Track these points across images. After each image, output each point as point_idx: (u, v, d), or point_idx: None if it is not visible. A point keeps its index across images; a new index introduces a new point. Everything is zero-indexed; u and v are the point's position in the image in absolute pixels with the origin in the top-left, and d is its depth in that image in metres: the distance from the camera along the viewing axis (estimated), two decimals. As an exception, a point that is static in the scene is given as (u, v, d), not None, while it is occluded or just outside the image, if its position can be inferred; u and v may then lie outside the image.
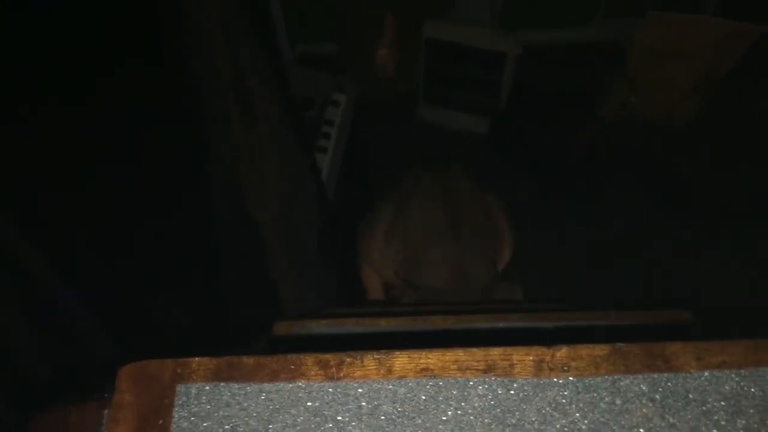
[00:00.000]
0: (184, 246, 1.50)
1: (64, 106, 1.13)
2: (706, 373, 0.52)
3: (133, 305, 1.31)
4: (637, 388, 0.52)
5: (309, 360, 0.53)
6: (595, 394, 0.52)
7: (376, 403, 0.52)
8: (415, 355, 0.53)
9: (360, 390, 0.52)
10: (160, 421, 0.50)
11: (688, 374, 0.52)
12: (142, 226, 1.35)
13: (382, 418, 0.51)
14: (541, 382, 0.52)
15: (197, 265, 1.54)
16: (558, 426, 0.51)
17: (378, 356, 0.53)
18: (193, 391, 0.52)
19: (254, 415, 0.51)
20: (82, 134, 1.18)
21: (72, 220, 1.13)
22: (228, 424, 0.51)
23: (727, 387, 0.52)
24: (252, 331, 1.36)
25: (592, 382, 0.52)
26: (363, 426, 0.51)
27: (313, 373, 0.52)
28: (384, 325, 0.90)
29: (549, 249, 2.30)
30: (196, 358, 0.53)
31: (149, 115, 1.35)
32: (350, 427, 0.51)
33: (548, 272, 2.16)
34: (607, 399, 0.52)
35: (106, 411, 0.51)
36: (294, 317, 0.94)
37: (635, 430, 0.51)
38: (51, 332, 1.04)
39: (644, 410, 0.51)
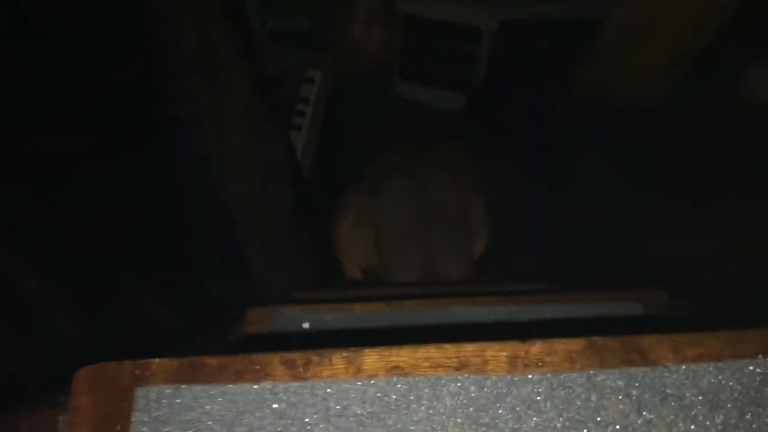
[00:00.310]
0: (152, 226, 1.47)
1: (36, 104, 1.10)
2: (684, 367, 0.51)
3: (101, 294, 1.28)
4: (613, 384, 0.50)
5: (275, 359, 0.51)
6: (570, 391, 0.50)
7: (345, 403, 0.50)
8: (386, 353, 0.51)
9: (328, 390, 0.50)
10: (118, 427, 0.48)
11: (665, 368, 0.51)
12: (108, 207, 1.32)
13: (352, 419, 0.49)
14: (515, 378, 0.51)
15: (166, 245, 1.52)
16: (532, 424, 0.50)
17: (347, 354, 0.51)
18: (153, 394, 0.49)
19: (218, 418, 0.49)
20: (52, 127, 1.15)
21: (36, 201, 1.10)
22: (191, 429, 0.49)
23: (704, 381, 0.50)
24: (225, 316, 1.35)
25: (567, 377, 0.51)
26: (331, 428, 0.49)
27: (279, 373, 0.50)
28: (357, 311, 0.88)
29: (526, 225, 2.30)
30: (156, 360, 0.50)
31: (115, 93, 1.32)
32: (318, 429, 0.49)
33: (525, 247, 2.16)
34: (582, 395, 0.50)
35: (61, 417, 0.48)
36: (267, 303, 0.92)
37: (611, 426, 0.49)
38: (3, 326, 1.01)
39: (621, 406, 0.50)
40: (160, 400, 0.49)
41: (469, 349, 0.51)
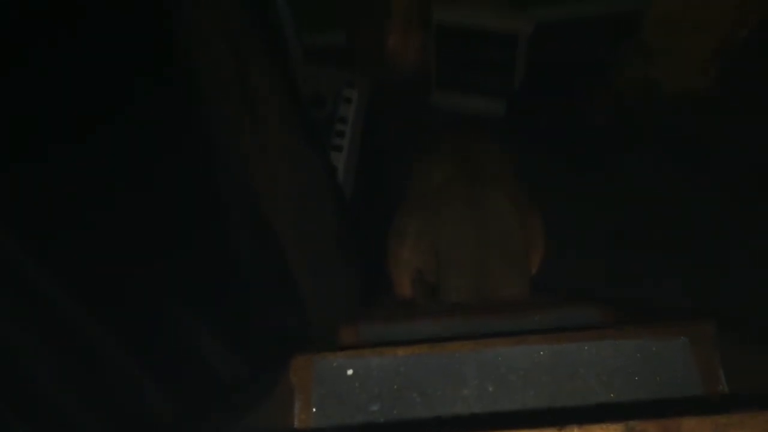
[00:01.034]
0: (201, 259, 1.50)
1: (72, 131, 1.14)
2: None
3: (162, 331, 1.31)
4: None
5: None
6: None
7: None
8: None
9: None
10: None
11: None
12: (157, 243, 1.35)
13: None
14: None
15: (216, 278, 1.55)
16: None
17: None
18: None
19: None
20: (94, 159, 1.18)
21: (87, 240, 1.13)
22: None
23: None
24: (273, 359, 1.36)
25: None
26: None
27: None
28: (400, 355, 0.89)
29: (575, 226, 2.27)
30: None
31: (154, 126, 1.35)
32: None
33: (569, 255, 2.13)
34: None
35: None
36: (311, 350, 0.93)
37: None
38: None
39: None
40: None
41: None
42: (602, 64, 2.58)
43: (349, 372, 0.87)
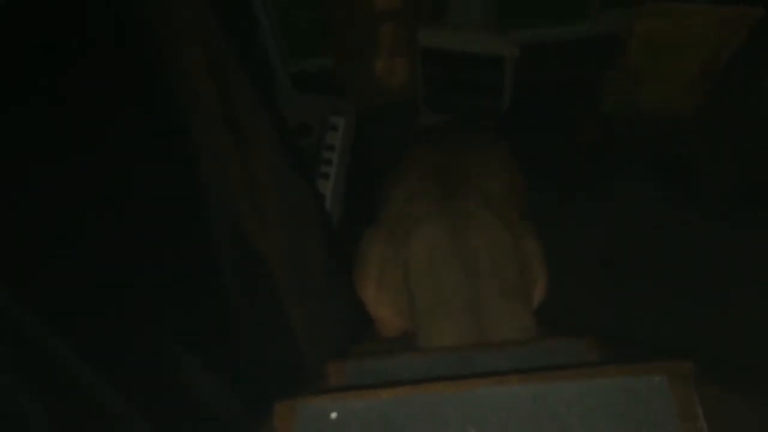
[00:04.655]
0: (190, 294, 1.50)
1: (59, 156, 1.14)
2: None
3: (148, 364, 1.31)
4: None
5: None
6: None
7: None
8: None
9: None
10: None
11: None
12: (145, 273, 1.36)
13: None
14: None
15: (206, 314, 1.55)
16: None
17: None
18: None
19: None
20: (80, 188, 1.19)
21: (70, 274, 1.13)
22: None
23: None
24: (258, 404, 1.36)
25: None
26: None
27: None
28: (384, 398, 0.89)
29: (557, 254, 2.26)
30: None
31: (139, 155, 1.36)
32: None
33: (554, 281, 2.10)
34: None
35: None
36: (296, 393, 0.94)
37: None
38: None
39: None
40: None
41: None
42: (589, 86, 2.60)
43: (333, 415, 0.88)
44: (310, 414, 0.88)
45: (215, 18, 1.46)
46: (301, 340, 1.74)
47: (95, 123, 1.24)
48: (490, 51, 2.47)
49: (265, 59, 2.33)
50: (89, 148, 1.21)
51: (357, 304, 1.96)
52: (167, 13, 1.38)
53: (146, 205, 1.37)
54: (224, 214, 1.59)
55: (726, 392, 0.77)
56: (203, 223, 1.54)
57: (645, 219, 2.35)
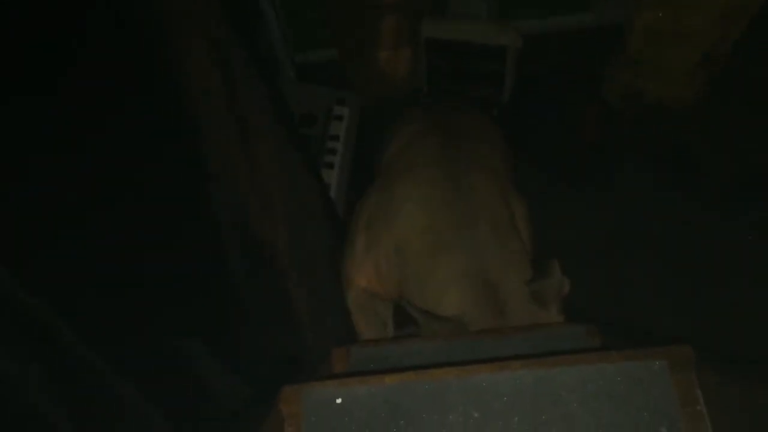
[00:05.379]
0: (199, 284, 1.52)
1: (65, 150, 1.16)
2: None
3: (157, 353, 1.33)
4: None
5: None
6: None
7: None
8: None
9: None
10: None
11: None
12: (154, 265, 1.38)
13: None
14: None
15: (214, 301, 1.57)
16: None
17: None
18: None
19: None
20: (90, 181, 1.20)
21: (79, 266, 1.15)
22: None
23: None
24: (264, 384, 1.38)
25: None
26: None
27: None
28: (387, 383, 0.91)
29: (558, 244, 2.27)
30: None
31: (146, 150, 1.37)
32: None
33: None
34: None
35: None
36: (302, 379, 0.95)
37: None
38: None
39: None
40: None
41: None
42: (590, 76, 2.60)
43: (338, 401, 0.89)
44: (315, 399, 0.89)
45: (220, 10, 1.47)
46: (306, 328, 1.76)
47: (103, 116, 1.26)
48: (492, 42, 2.48)
49: (270, 51, 2.34)
50: (96, 140, 1.23)
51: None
52: (172, 6, 1.39)
53: (155, 197, 1.39)
54: (231, 204, 1.61)
55: (725, 381, 0.79)
56: (210, 214, 1.56)
57: (645, 210, 2.36)
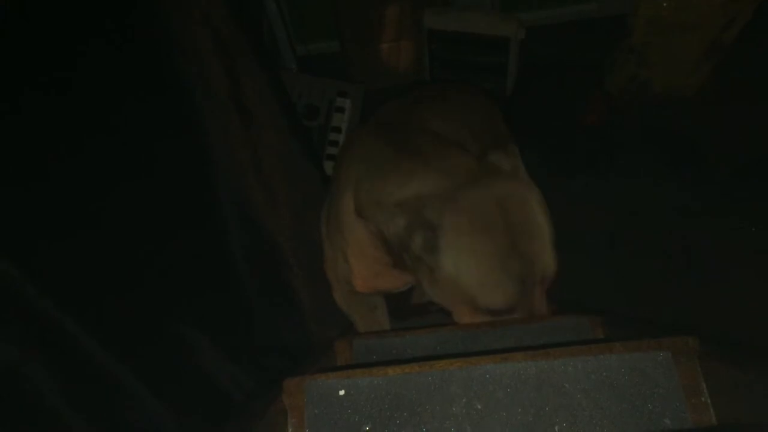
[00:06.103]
0: (201, 273, 1.52)
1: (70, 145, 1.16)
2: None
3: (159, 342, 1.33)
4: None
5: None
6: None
7: None
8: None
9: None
10: None
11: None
12: (158, 256, 1.37)
13: None
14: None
15: (216, 291, 1.57)
16: None
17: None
18: None
19: None
20: (89, 174, 1.20)
21: (86, 258, 1.15)
22: None
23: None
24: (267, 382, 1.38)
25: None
26: None
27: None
28: (390, 375, 0.90)
29: (563, 233, 2.26)
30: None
31: (149, 142, 1.37)
32: None
33: (561, 260, 2.10)
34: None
35: None
36: (304, 370, 0.95)
37: None
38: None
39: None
40: None
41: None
42: (594, 66, 2.59)
43: (341, 392, 0.89)
44: (318, 391, 0.89)
45: (223, 0, 1.47)
46: (308, 319, 1.76)
47: (105, 109, 1.26)
48: (495, 32, 2.46)
49: (272, 42, 2.33)
50: (98, 132, 1.22)
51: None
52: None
53: (158, 188, 1.39)
54: (233, 195, 1.60)
55: (730, 372, 0.78)
56: (213, 205, 1.56)
57: (649, 198, 2.35)
